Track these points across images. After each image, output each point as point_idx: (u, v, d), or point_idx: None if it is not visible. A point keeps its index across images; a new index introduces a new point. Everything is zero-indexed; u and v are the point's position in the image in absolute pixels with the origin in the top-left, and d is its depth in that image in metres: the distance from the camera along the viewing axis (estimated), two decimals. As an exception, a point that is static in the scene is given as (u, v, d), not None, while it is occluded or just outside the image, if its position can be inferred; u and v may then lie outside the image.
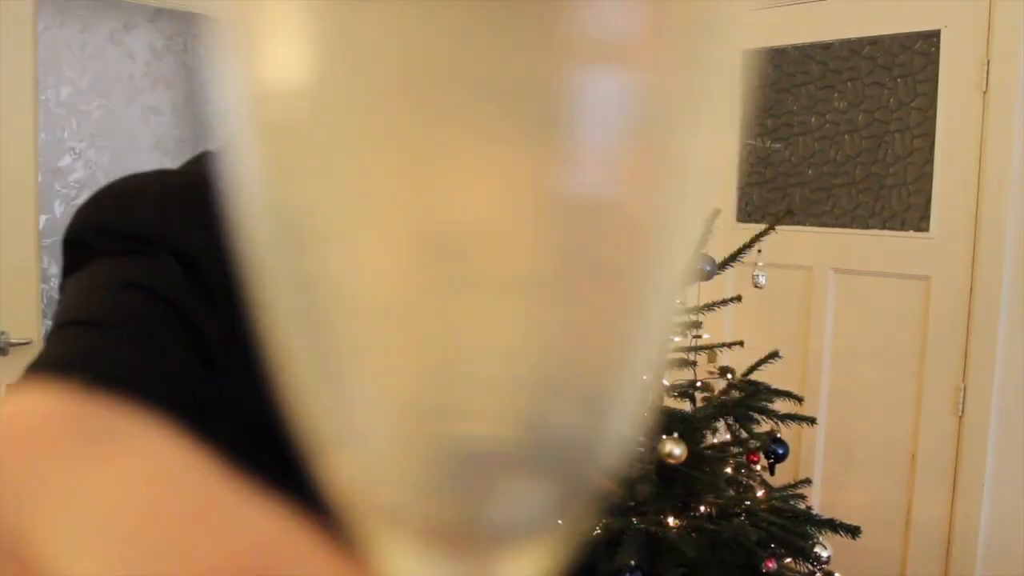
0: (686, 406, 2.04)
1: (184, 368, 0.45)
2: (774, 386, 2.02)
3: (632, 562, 1.63)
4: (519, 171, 0.15)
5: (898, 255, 2.48)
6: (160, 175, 0.55)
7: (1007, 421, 2.28)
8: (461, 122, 0.15)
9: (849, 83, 2.58)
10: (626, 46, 0.14)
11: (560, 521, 0.17)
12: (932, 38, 2.40)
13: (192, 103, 2.39)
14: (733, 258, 1.88)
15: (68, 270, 0.50)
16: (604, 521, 1.74)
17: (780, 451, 1.99)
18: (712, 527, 1.75)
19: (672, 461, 1.76)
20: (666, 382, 1.97)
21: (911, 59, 2.45)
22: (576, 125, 0.14)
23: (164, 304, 0.45)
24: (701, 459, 1.95)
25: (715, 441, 2.08)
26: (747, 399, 1.94)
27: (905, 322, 2.48)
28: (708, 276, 1.81)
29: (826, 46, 2.62)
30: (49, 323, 2.01)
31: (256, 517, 0.17)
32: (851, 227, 2.59)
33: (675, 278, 0.17)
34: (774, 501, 1.95)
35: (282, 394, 0.17)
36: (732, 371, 2.12)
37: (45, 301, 2.16)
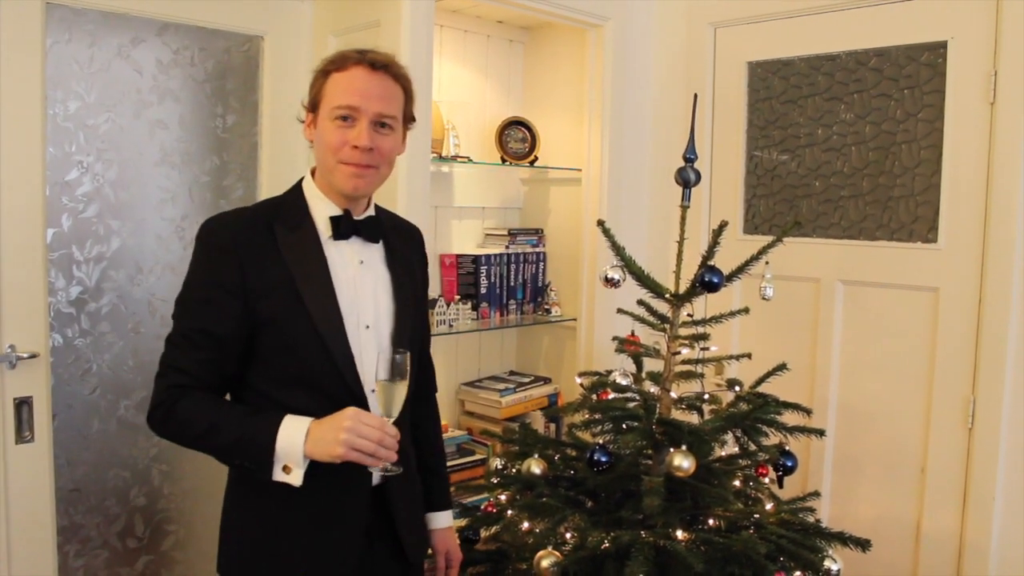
0: (694, 418, 2.03)
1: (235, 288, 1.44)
2: (782, 398, 2.01)
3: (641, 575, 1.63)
4: None
5: (906, 266, 2.47)
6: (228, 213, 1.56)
7: (1018, 432, 2.27)
8: None
9: (856, 95, 2.58)
10: None
11: None
12: (939, 49, 2.40)
13: (199, 117, 2.40)
14: (740, 270, 1.87)
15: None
16: (612, 534, 1.73)
17: (789, 464, 1.98)
18: (721, 540, 1.74)
19: (680, 474, 1.75)
20: (674, 394, 1.96)
21: (918, 70, 2.45)
22: None
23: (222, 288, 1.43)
24: (709, 472, 1.94)
25: (723, 454, 2.07)
26: (755, 411, 1.93)
27: (914, 334, 2.47)
28: (716, 288, 1.81)
29: (832, 58, 2.62)
30: (56, 337, 2.06)
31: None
32: (858, 239, 2.59)
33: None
34: (783, 514, 1.94)
35: None
36: (740, 383, 2.12)
37: (52, 314, 2.16)
